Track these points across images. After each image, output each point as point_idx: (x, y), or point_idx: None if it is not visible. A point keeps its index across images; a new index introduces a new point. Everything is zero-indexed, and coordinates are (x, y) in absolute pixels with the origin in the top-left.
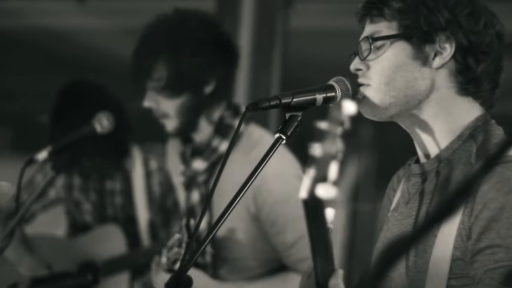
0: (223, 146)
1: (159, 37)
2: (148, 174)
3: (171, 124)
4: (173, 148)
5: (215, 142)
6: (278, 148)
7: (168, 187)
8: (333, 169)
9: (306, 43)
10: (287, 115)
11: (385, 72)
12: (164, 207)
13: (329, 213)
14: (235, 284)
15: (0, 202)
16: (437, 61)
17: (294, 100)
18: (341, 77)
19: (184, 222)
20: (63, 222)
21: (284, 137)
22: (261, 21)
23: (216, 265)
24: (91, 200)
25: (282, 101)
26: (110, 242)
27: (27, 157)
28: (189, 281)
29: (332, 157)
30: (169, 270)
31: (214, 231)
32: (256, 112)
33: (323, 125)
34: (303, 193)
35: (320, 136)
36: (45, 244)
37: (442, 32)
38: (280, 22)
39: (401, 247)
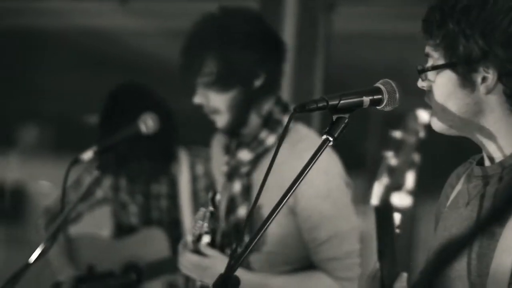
0: (270, 139)
1: (207, 34)
2: (194, 179)
3: (222, 120)
4: (218, 142)
5: (263, 135)
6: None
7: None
8: (409, 179)
9: (348, 46)
10: (334, 117)
11: (439, 99)
12: None
13: (396, 217)
14: (259, 275)
15: (43, 202)
16: (483, 88)
17: (341, 102)
18: (388, 80)
19: (210, 195)
20: (108, 223)
21: (331, 139)
22: (304, 24)
23: (246, 259)
24: (137, 202)
25: (329, 103)
26: (154, 245)
27: (68, 157)
28: (237, 281)
29: (408, 166)
30: (195, 250)
31: (263, 230)
32: (302, 113)
33: (398, 134)
34: (375, 200)
35: (395, 145)
36: (90, 244)
37: (482, 61)
38: (323, 25)
39: (459, 248)
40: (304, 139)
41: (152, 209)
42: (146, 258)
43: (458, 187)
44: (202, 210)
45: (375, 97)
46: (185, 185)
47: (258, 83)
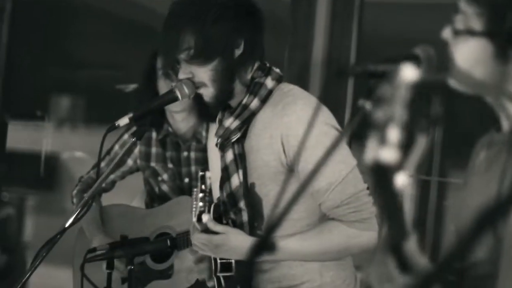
0: (254, 103)
1: (181, 11)
2: None
3: (208, 93)
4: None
5: (246, 99)
6: (304, 96)
7: None
8: (393, 134)
9: (383, 14)
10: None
11: (465, 63)
12: None
13: (401, 179)
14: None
15: (77, 172)
16: None
17: (378, 67)
18: (425, 46)
19: (200, 174)
20: (140, 192)
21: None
22: None
23: (253, 224)
24: (168, 170)
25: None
26: (185, 214)
27: (100, 128)
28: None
29: (393, 121)
30: (204, 230)
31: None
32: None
33: (383, 89)
34: (369, 159)
35: (379, 100)
36: (122, 214)
37: None
38: None
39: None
40: (287, 94)
41: (183, 176)
42: (177, 228)
43: (482, 154)
44: (194, 191)
45: (412, 62)
46: (214, 151)
47: (238, 52)
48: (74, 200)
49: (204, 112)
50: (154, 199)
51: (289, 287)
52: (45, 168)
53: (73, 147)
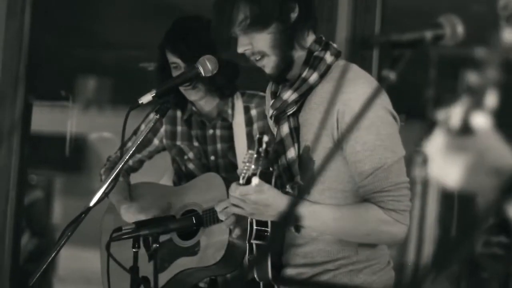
0: (313, 77)
1: None
2: (248, 122)
3: (270, 63)
4: (268, 90)
5: (306, 73)
6: (365, 75)
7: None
8: (490, 98)
9: None
10: (395, 53)
11: None
12: None
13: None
14: (309, 202)
15: (104, 153)
16: None
17: (402, 37)
18: (449, 14)
19: (257, 136)
20: (169, 170)
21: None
22: None
23: (300, 194)
24: (194, 148)
25: (391, 38)
26: (211, 191)
27: (127, 109)
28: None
29: (490, 85)
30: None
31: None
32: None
33: (480, 52)
34: (455, 122)
35: (476, 63)
36: (149, 191)
37: None
38: None
39: None
40: (347, 71)
41: (209, 154)
42: (204, 205)
43: None
44: (249, 152)
45: (437, 31)
46: (240, 129)
47: (294, 15)
48: (102, 178)
49: (224, 90)
50: (181, 177)
51: (323, 263)
52: (72, 149)
53: (100, 128)
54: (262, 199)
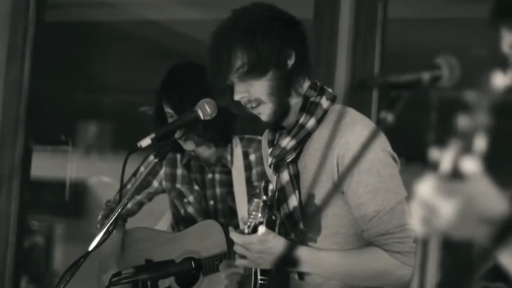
0: (310, 122)
1: (229, 31)
2: (247, 167)
3: (266, 110)
4: (265, 137)
5: (303, 119)
6: (362, 118)
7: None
8: (480, 142)
9: (405, 31)
10: (392, 95)
11: None
12: None
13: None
14: (312, 249)
15: (103, 198)
16: None
17: (400, 78)
18: (447, 55)
19: (263, 184)
20: (165, 215)
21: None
22: (361, 8)
23: (304, 241)
24: (194, 191)
25: (388, 79)
26: (211, 239)
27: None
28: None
29: (479, 129)
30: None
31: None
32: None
33: (470, 95)
34: (446, 166)
35: (466, 107)
36: (146, 237)
37: None
38: (381, 10)
39: None
40: (344, 115)
41: (208, 198)
42: (203, 252)
43: None
44: (255, 201)
45: (435, 72)
46: (239, 174)
47: (290, 62)
48: (98, 226)
49: (217, 141)
50: (180, 221)
51: None
52: (72, 194)
53: (100, 173)
54: (268, 248)
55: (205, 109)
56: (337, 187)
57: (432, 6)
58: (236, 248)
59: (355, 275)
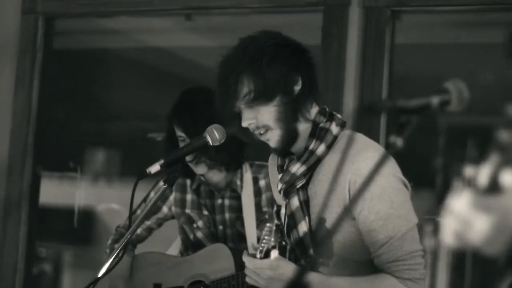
0: (320, 148)
1: (236, 58)
2: (257, 192)
3: (274, 136)
4: (272, 161)
5: (313, 145)
6: (373, 144)
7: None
8: None
9: (412, 56)
10: (402, 120)
11: None
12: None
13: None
14: (323, 275)
15: (112, 225)
16: None
17: (410, 103)
18: (455, 80)
19: (275, 209)
20: (175, 241)
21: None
22: (369, 33)
23: (314, 267)
24: (204, 216)
25: (398, 104)
26: (219, 262)
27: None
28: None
29: None
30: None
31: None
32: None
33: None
34: (483, 180)
35: (508, 121)
36: (155, 262)
37: None
38: (388, 35)
39: None
40: (355, 141)
41: (217, 224)
42: (211, 276)
43: None
44: (267, 225)
45: (443, 96)
46: (249, 199)
47: (297, 88)
48: (107, 251)
49: (229, 165)
50: (189, 247)
51: None
52: (81, 221)
53: (108, 200)
54: (279, 274)
55: (214, 135)
56: (347, 213)
57: (441, 31)
58: (247, 272)
59: None
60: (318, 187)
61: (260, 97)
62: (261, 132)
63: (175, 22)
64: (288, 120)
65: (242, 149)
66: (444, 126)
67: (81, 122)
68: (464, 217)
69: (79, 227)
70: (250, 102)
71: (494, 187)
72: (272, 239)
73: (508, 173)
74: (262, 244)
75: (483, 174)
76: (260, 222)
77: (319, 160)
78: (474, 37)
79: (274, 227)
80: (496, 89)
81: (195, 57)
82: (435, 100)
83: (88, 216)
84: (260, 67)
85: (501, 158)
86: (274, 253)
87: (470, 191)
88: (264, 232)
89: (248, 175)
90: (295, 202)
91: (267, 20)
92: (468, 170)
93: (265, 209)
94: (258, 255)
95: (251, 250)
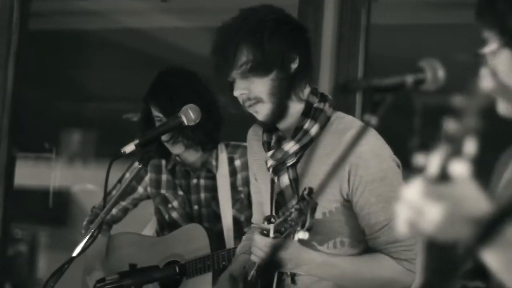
0: (315, 128)
1: (236, 28)
2: (232, 172)
3: (264, 110)
4: (254, 137)
5: (307, 125)
6: (372, 131)
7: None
8: (469, 146)
9: (388, 37)
10: (376, 98)
11: (502, 80)
12: (249, 205)
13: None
14: (324, 254)
15: (88, 206)
16: None
17: (384, 81)
18: (430, 58)
19: (304, 192)
20: (151, 221)
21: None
22: (344, 13)
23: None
24: (179, 197)
25: (372, 83)
26: (194, 242)
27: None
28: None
29: (468, 133)
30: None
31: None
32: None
33: (458, 99)
34: (433, 169)
35: (455, 111)
36: (131, 242)
37: None
38: (364, 15)
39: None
40: (351, 126)
41: (192, 204)
42: (186, 256)
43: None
44: (295, 207)
45: (418, 75)
46: (224, 179)
47: (294, 66)
48: (83, 231)
49: (205, 144)
50: (164, 227)
51: None
52: (56, 202)
53: (84, 181)
54: (297, 258)
55: (189, 115)
56: (342, 194)
57: (416, 11)
58: (256, 250)
59: (364, 281)
60: (314, 167)
61: (258, 69)
62: (252, 103)
63: (151, 4)
64: (281, 96)
65: (218, 129)
66: (420, 105)
67: (57, 103)
68: (416, 206)
69: (55, 208)
70: (245, 72)
71: (444, 176)
72: (300, 221)
73: (456, 163)
74: (287, 225)
75: (433, 163)
76: (236, 201)
77: (312, 140)
78: (450, 18)
79: (297, 211)
80: (470, 68)
81: (171, 38)
82: (409, 79)
83: (63, 197)
84: (261, 39)
85: (449, 148)
86: (301, 234)
87: (421, 180)
88: (292, 216)
89: (223, 155)
90: (285, 180)
91: (242, 1)
92: (419, 159)
93: (240, 188)
94: (271, 234)
95: (228, 232)
